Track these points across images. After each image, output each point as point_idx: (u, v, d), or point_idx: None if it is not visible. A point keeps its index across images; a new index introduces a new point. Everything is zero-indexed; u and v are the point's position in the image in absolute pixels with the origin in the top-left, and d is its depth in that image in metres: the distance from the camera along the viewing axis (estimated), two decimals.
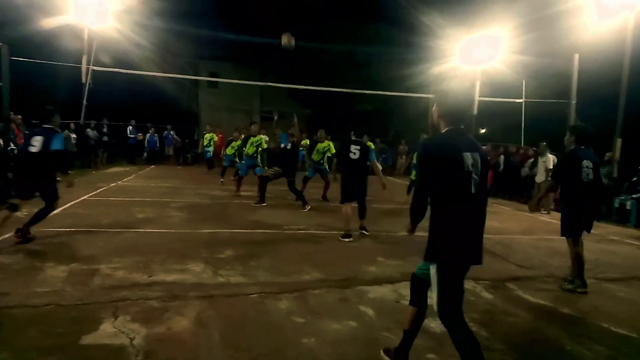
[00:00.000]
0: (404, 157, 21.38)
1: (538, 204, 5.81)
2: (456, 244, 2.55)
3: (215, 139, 16.85)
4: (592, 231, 4.82)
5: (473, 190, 2.53)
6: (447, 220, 2.55)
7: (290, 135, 9.46)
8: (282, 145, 9.42)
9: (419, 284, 2.86)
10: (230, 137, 13.50)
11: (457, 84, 2.79)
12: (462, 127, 2.67)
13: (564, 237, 5.06)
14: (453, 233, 2.55)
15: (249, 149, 10.57)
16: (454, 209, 2.54)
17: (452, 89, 2.74)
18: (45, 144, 5.62)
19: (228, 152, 13.19)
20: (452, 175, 2.51)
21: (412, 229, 2.79)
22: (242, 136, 11.63)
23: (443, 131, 2.69)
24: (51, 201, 5.81)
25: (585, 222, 4.99)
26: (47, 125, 5.89)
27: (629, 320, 4.17)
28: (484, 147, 11.10)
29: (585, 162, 4.90)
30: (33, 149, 5.62)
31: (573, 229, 4.98)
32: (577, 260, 4.98)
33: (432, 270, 2.61)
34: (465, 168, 2.50)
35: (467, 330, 2.60)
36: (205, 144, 16.65)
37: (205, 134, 17.00)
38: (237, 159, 13.09)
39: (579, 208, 4.92)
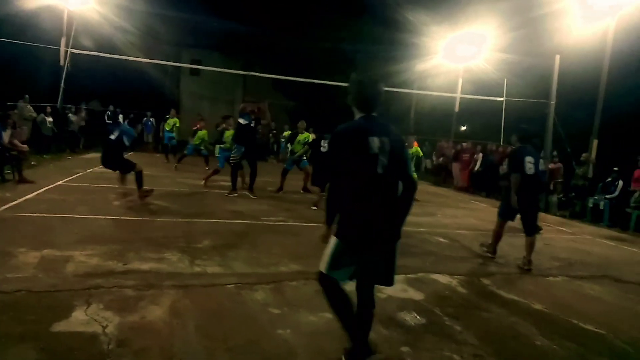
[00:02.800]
0: None
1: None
2: (355, 221, 2.68)
3: (178, 124, 16.27)
4: (566, 230, 5.03)
5: (380, 171, 2.66)
6: (351, 198, 2.68)
7: (252, 112, 9.21)
8: (245, 122, 9.18)
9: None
10: (196, 126, 13.52)
11: (365, 74, 2.91)
12: (374, 114, 2.81)
13: (498, 216, 6.06)
14: (354, 210, 2.68)
15: (226, 139, 10.52)
16: (358, 188, 2.67)
17: (360, 79, 2.85)
18: (119, 135, 7.73)
19: (195, 142, 13.21)
20: (358, 157, 2.64)
21: (327, 233, 2.81)
22: (218, 128, 11.50)
23: (356, 118, 2.82)
24: (128, 169, 7.84)
25: (525, 211, 5.79)
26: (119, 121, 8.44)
27: (599, 317, 4.26)
28: (464, 144, 11.39)
29: (528, 158, 5.67)
30: (112, 137, 7.72)
31: (508, 213, 5.88)
32: (497, 236, 6.08)
33: (333, 239, 2.75)
34: (371, 151, 2.64)
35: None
36: (168, 129, 15.77)
37: (168, 118, 16.08)
38: (202, 148, 13.16)
39: (520, 196, 5.65)
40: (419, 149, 12.10)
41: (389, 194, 2.72)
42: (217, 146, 10.76)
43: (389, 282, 2.86)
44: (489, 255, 6.19)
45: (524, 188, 5.66)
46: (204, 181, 10.42)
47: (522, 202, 5.70)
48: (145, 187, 7.86)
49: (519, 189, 5.66)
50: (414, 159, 11.56)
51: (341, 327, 2.84)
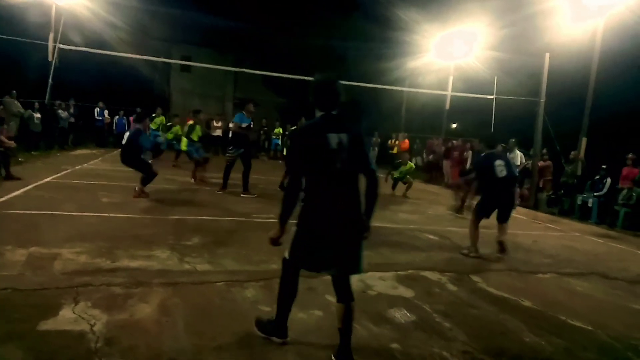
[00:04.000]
0: (376, 149, 21.53)
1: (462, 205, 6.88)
2: (315, 214, 2.84)
3: (164, 122, 16.22)
4: (555, 227, 5.07)
5: (339, 166, 2.80)
6: (312, 191, 2.84)
7: (250, 113, 9.20)
8: (245, 125, 9.13)
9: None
10: (170, 122, 13.69)
11: (323, 76, 3.02)
12: (334, 112, 2.93)
13: (473, 216, 6.20)
14: (314, 204, 2.84)
15: (193, 136, 10.66)
16: (319, 182, 2.83)
17: (318, 80, 2.99)
18: (129, 139, 8.00)
19: (168, 137, 13.43)
20: (317, 153, 2.79)
21: (278, 233, 2.92)
22: (190, 123, 11.53)
23: (316, 116, 2.96)
24: (145, 171, 7.96)
25: (502, 209, 6.08)
26: (137, 126, 8.34)
27: (586, 314, 4.30)
28: (454, 141, 11.50)
29: (497, 162, 5.96)
30: (123, 142, 8.17)
31: (483, 213, 6.10)
32: (476, 234, 6.10)
33: (294, 228, 2.92)
34: (329, 147, 2.79)
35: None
36: (154, 128, 15.42)
37: (154, 117, 15.93)
38: (174, 142, 13.61)
39: (494, 198, 6.04)
40: (412, 165, 12.57)
41: (350, 188, 2.87)
42: (185, 139, 10.79)
43: (356, 270, 2.95)
44: (474, 255, 6.09)
45: (499, 189, 6.00)
46: (192, 179, 10.42)
47: (499, 201, 6.06)
48: (146, 191, 8.02)
49: (496, 191, 6.01)
50: (407, 173, 12.00)
51: (277, 307, 3.11)
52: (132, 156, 7.99)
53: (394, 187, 11.84)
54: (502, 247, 6.10)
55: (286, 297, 3.06)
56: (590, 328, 3.96)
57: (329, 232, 2.82)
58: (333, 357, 2.92)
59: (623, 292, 5.24)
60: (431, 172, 17.73)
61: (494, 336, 3.62)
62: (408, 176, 11.93)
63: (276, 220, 2.93)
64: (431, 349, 3.27)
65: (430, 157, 17.89)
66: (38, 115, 14.93)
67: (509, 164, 6.09)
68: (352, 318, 2.94)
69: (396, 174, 11.90)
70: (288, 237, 2.96)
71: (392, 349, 3.23)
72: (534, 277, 5.51)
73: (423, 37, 18.54)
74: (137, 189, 7.94)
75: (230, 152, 9.19)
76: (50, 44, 13.38)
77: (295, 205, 2.86)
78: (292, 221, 2.90)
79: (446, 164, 16.56)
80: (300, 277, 4.48)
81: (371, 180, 2.91)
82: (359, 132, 2.93)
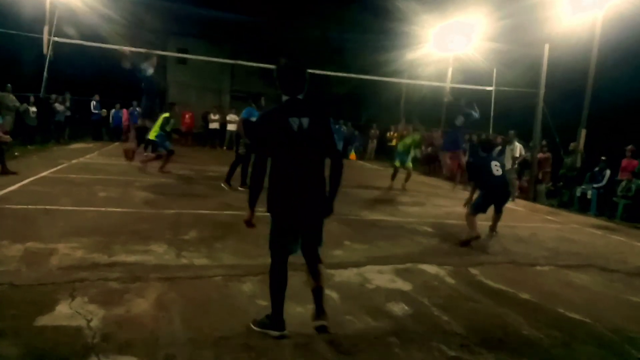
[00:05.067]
0: (374, 141, 21.52)
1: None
2: (280, 198, 2.94)
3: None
4: (554, 219, 5.06)
5: (301, 149, 2.88)
6: (275, 177, 2.92)
7: (260, 107, 9.20)
8: (254, 119, 9.09)
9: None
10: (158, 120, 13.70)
11: (287, 60, 3.04)
12: (300, 96, 2.98)
13: (470, 211, 6.51)
14: (278, 188, 2.93)
15: (167, 127, 10.76)
16: (282, 167, 2.91)
17: (282, 65, 3.01)
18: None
19: (151, 137, 13.32)
20: (278, 137, 2.86)
21: (250, 216, 3.07)
22: (165, 115, 11.50)
23: (282, 101, 3.02)
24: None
25: (496, 203, 6.72)
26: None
27: (584, 306, 4.30)
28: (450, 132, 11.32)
29: (493, 162, 6.64)
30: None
31: (480, 209, 6.50)
32: (473, 224, 6.34)
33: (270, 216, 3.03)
34: (291, 131, 2.86)
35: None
36: None
37: None
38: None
39: (492, 194, 6.57)
40: (415, 137, 12.03)
41: (313, 170, 2.94)
42: (157, 129, 10.81)
43: (318, 243, 3.16)
44: (476, 238, 6.21)
45: (496, 186, 6.57)
46: (160, 169, 10.49)
47: (497, 197, 6.66)
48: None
49: (493, 188, 6.56)
50: (411, 145, 11.73)
51: (271, 299, 3.14)
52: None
53: (393, 177, 11.68)
54: (492, 231, 6.92)
55: (276, 286, 3.11)
56: (588, 321, 3.95)
57: (294, 214, 2.95)
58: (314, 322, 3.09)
59: (622, 284, 5.23)
60: (430, 165, 17.70)
61: (492, 329, 3.61)
62: (409, 164, 11.68)
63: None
64: (429, 343, 3.26)
65: (429, 149, 17.85)
66: (34, 109, 14.86)
67: (503, 165, 6.82)
68: (322, 276, 3.16)
69: (400, 148, 11.76)
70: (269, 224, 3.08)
71: (390, 342, 3.22)
72: (532, 269, 5.50)
73: (422, 28, 18.41)
74: (141, 161, 8.89)
75: (243, 146, 9.11)
76: (45, 37, 13.27)
77: (261, 187, 2.95)
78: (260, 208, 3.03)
79: (445, 156, 16.52)
80: (298, 271, 4.47)
81: (336, 162, 2.98)
82: (322, 116, 2.96)
